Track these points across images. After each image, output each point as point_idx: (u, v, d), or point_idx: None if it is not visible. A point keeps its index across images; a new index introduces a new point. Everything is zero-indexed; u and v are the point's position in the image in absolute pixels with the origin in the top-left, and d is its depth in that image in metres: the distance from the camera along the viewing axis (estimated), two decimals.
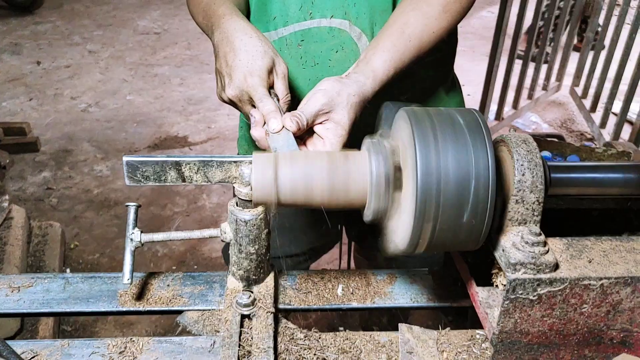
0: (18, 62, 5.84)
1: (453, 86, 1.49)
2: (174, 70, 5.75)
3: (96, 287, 1.14)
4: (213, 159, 0.98)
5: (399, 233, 0.89)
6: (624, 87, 4.09)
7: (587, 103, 4.66)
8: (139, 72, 5.70)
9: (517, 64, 4.36)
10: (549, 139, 1.50)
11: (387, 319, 1.74)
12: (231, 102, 1.11)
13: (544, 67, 4.71)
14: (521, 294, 0.86)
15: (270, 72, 1.08)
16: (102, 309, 1.10)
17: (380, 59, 1.11)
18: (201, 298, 1.12)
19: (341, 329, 1.07)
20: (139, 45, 6.35)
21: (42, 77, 5.53)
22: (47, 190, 3.84)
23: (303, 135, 1.07)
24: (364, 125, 1.09)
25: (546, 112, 4.83)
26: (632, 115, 4.14)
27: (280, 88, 1.10)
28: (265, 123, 1.05)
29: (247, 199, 0.97)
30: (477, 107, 4.19)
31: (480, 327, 1.01)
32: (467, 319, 1.17)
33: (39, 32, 6.62)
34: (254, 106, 1.07)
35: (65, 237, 3.24)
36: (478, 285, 0.99)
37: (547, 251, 0.87)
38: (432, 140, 0.83)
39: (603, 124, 4.37)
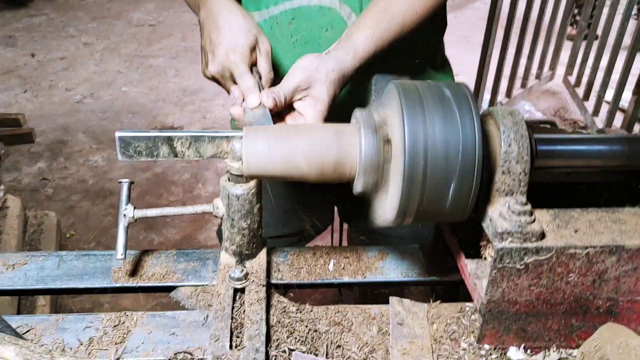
0: (12, 55, 5.83)
1: (443, 67, 1.50)
2: (169, 62, 5.74)
3: (90, 264, 1.15)
4: (205, 134, 0.99)
5: (387, 204, 0.90)
6: (616, 75, 4.11)
7: (580, 92, 4.68)
8: (133, 63, 5.69)
9: (510, 54, 4.37)
10: (541, 125, 1.52)
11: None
12: (214, 79, 1.12)
13: (537, 56, 4.73)
14: (508, 263, 0.88)
15: (253, 49, 1.10)
16: (97, 285, 1.11)
17: (362, 36, 1.12)
18: (194, 274, 1.13)
19: None
20: (133, 37, 6.34)
21: (36, 69, 5.52)
22: (43, 181, 3.84)
23: (282, 112, 1.08)
24: (354, 98, 1.11)
25: (539, 101, 4.85)
26: (624, 103, 4.16)
27: (263, 65, 1.11)
28: (242, 100, 1.06)
29: (239, 173, 0.98)
30: None
31: (470, 300, 1.02)
32: (458, 297, 1.18)
33: (33, 25, 6.61)
34: (236, 83, 1.09)
35: (61, 227, 3.25)
36: (467, 258, 1.01)
37: (534, 220, 0.88)
38: (419, 112, 0.84)
39: (596, 112, 4.39)
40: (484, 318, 0.94)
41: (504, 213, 0.89)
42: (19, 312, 2.26)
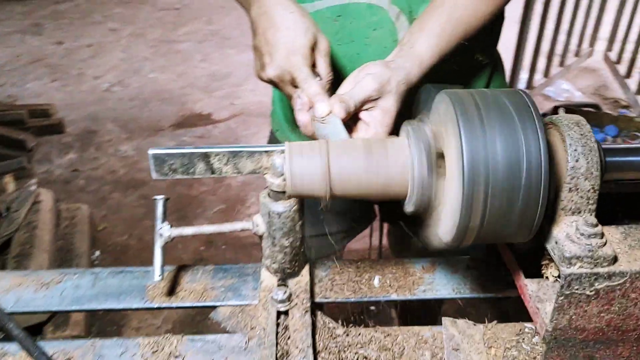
0: (40, 43, 5.84)
1: (496, 68, 1.42)
2: (195, 46, 5.70)
3: (126, 282, 1.10)
4: (243, 149, 0.93)
5: (444, 225, 0.83)
6: None
7: (622, 69, 4.51)
8: (160, 49, 5.66)
9: (549, 30, 4.21)
10: (584, 109, 1.43)
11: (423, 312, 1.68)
12: (271, 82, 1.05)
13: (576, 33, 4.55)
14: (577, 289, 0.80)
15: (313, 49, 1.02)
16: (133, 306, 1.06)
17: (425, 43, 1.05)
18: (234, 292, 1.08)
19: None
20: (159, 22, 6.30)
21: (64, 57, 5.53)
22: (74, 172, 3.85)
23: (346, 121, 1.01)
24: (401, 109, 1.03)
25: (578, 79, 4.68)
26: None
27: (323, 66, 1.03)
28: (310, 107, 0.99)
29: (280, 190, 0.92)
30: (507, 75, 4.06)
31: (528, 319, 0.95)
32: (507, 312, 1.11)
33: (60, 12, 6.61)
34: (295, 86, 1.02)
35: (93, 219, 3.24)
36: (525, 276, 0.94)
37: (605, 243, 0.80)
38: (477, 124, 0.77)
39: (639, 91, 4.22)
40: (548, 346, 0.87)
41: (571, 235, 0.81)
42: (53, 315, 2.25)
